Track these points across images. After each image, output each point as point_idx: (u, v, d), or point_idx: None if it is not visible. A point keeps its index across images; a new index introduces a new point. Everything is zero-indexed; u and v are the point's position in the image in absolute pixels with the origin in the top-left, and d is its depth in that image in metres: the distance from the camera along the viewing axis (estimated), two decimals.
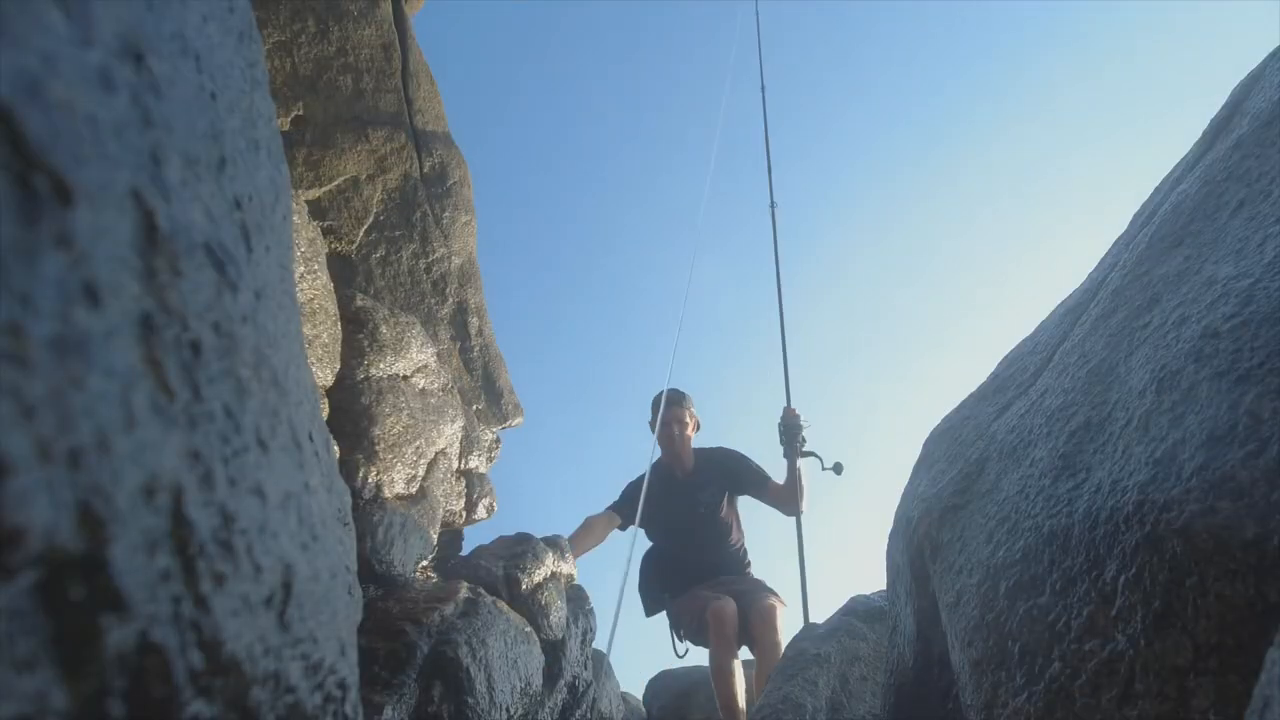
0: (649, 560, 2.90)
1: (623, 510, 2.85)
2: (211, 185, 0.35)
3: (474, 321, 3.26)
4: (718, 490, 2.86)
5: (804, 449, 2.61)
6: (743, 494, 2.90)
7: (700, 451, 2.97)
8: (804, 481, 2.65)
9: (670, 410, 2.85)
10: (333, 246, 2.80)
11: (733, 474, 2.92)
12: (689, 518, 2.81)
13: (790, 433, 2.68)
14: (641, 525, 2.71)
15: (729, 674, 2.22)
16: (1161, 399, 0.47)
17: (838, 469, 2.55)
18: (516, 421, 3.51)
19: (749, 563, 2.87)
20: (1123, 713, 0.42)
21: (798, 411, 2.80)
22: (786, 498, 2.72)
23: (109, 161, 0.26)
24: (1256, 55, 0.72)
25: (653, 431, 2.99)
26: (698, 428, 3.04)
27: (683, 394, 2.98)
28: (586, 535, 2.77)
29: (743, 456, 2.98)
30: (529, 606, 1.74)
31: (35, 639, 0.19)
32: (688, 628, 2.57)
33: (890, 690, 0.81)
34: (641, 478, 2.84)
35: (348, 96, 2.93)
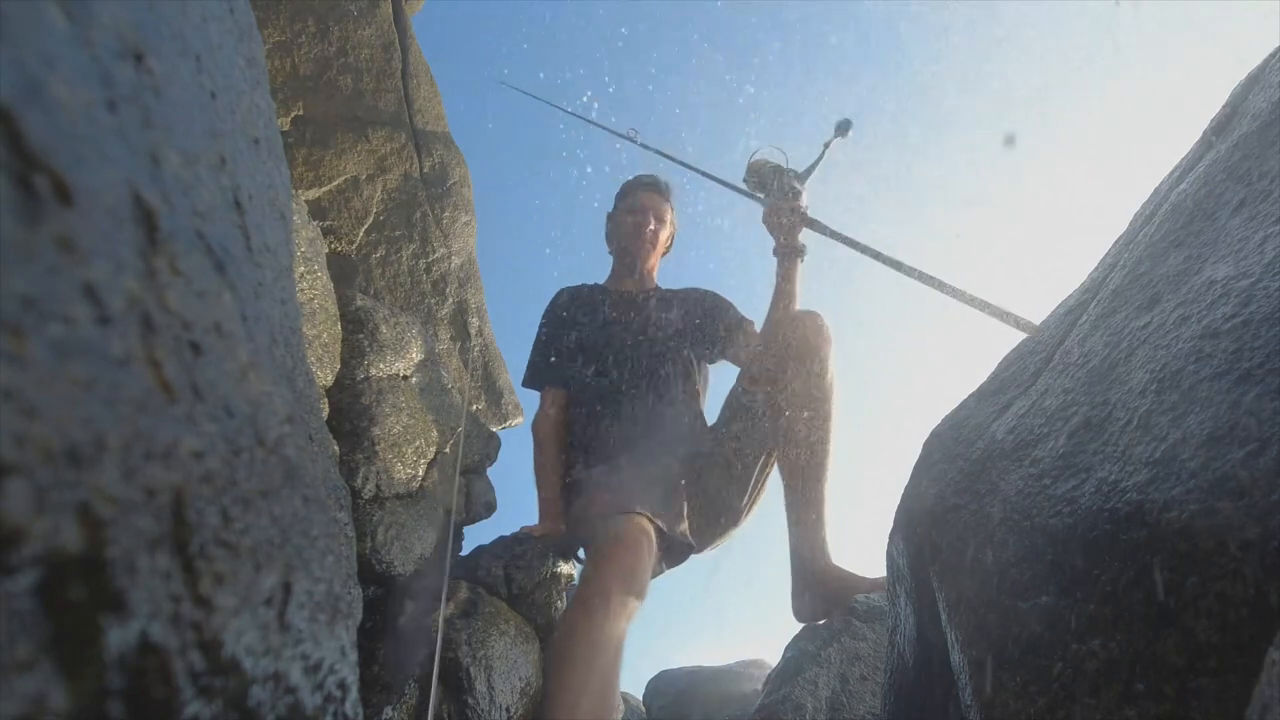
0: (579, 431, 1.80)
1: (548, 374, 1.82)
2: (211, 185, 0.35)
3: (474, 321, 3.26)
4: (682, 322, 1.86)
5: (802, 171, 1.73)
6: (715, 345, 1.85)
7: (663, 288, 2.00)
8: (798, 286, 1.70)
9: (650, 194, 1.92)
10: (333, 246, 2.80)
11: (706, 311, 1.88)
12: (633, 345, 1.79)
13: (773, 172, 1.72)
14: (559, 368, 1.83)
15: (612, 652, 1.12)
16: (1161, 399, 0.47)
17: (842, 128, 1.66)
18: (516, 421, 3.51)
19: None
20: (1123, 713, 0.42)
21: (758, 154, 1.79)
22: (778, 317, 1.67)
23: (109, 161, 0.26)
24: (1256, 55, 0.72)
25: (608, 231, 2.02)
26: (670, 245, 2.05)
27: (668, 184, 1.98)
28: (558, 448, 1.74)
29: (717, 294, 1.96)
30: (529, 606, 1.74)
31: (35, 639, 0.19)
32: (582, 536, 1.56)
33: (890, 690, 0.81)
34: (556, 313, 1.92)
35: (348, 96, 2.94)
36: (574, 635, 1.14)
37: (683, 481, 1.56)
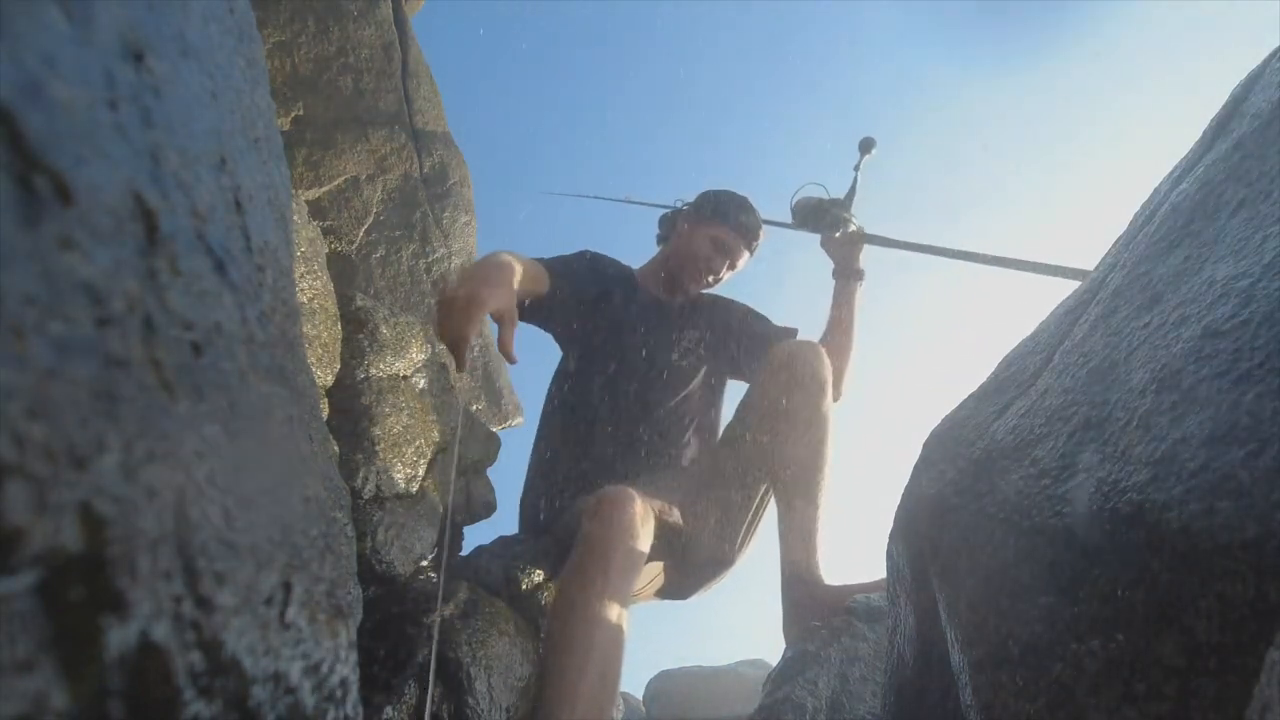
0: (549, 441, 1.65)
1: (555, 274, 1.55)
2: (212, 185, 0.35)
3: None
4: (709, 340, 1.72)
5: (844, 198, 1.72)
6: (737, 365, 1.74)
7: (696, 294, 1.81)
8: (857, 308, 1.67)
9: (740, 244, 1.74)
10: (333, 246, 2.80)
11: (736, 328, 1.75)
12: (652, 359, 1.63)
13: (817, 207, 1.71)
14: (570, 339, 1.66)
15: (608, 617, 1.02)
16: (1161, 399, 0.47)
17: (866, 146, 1.68)
18: (516, 421, 3.51)
19: None
20: (1123, 713, 0.42)
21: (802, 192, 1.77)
22: (835, 349, 1.60)
23: (109, 162, 0.26)
24: (1256, 55, 0.72)
25: (662, 229, 1.86)
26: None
27: (762, 238, 1.78)
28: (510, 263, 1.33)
29: (749, 308, 1.82)
30: (529, 606, 1.74)
31: (35, 639, 0.19)
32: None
33: (890, 690, 0.81)
34: (592, 255, 1.73)
35: (348, 96, 2.94)
36: (571, 609, 1.05)
37: (681, 498, 1.47)
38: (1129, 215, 0.79)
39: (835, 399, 1.55)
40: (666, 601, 1.65)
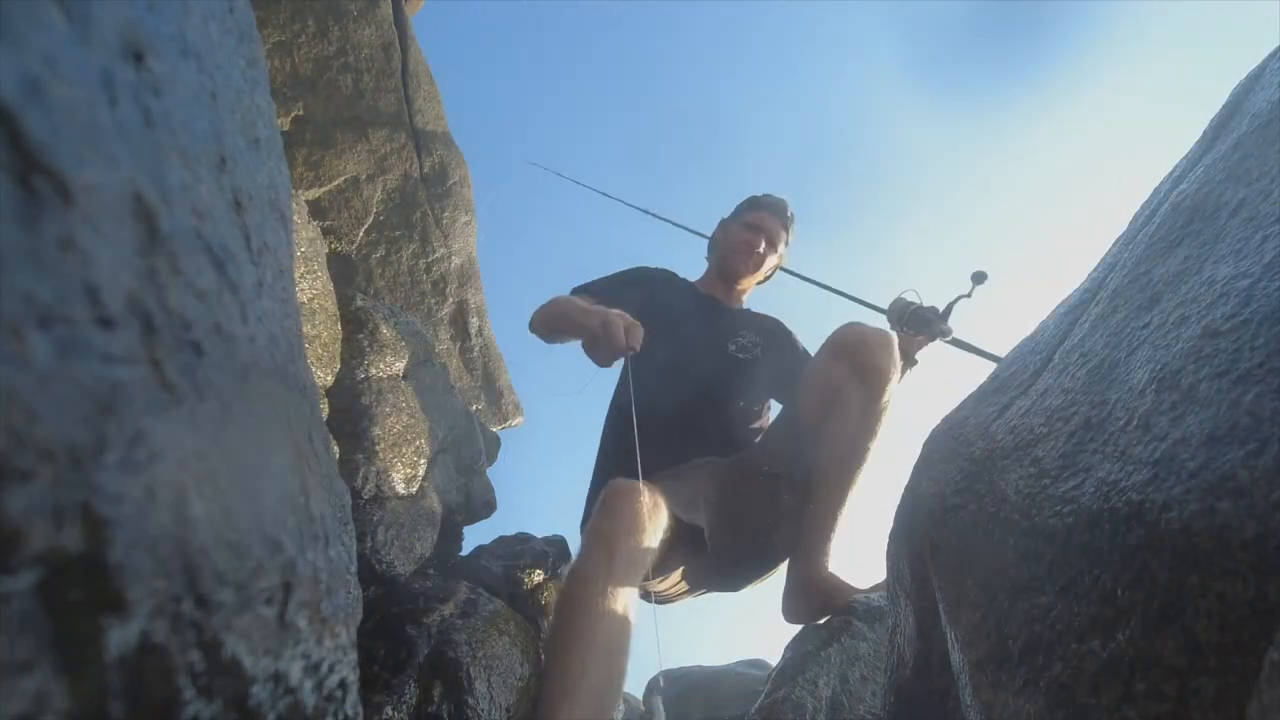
0: (616, 427, 1.63)
1: (613, 290, 1.67)
2: (211, 185, 0.35)
3: (474, 321, 3.26)
4: (763, 345, 1.75)
5: (943, 310, 1.66)
6: (779, 382, 1.75)
7: (749, 310, 1.91)
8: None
9: (771, 217, 1.84)
10: (333, 246, 2.80)
11: (783, 344, 1.81)
12: (715, 354, 1.68)
13: (919, 313, 1.65)
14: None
15: (611, 605, 0.99)
16: (1161, 399, 0.47)
17: (978, 278, 1.64)
18: (516, 421, 3.51)
19: None
20: (1123, 713, 0.42)
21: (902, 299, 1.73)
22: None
23: (109, 162, 0.26)
24: (1256, 55, 0.72)
25: (709, 248, 1.95)
26: (771, 275, 1.94)
27: (793, 214, 1.88)
28: (566, 308, 1.48)
29: (789, 328, 1.87)
30: (529, 606, 1.74)
31: (35, 640, 0.19)
32: None
33: (890, 690, 0.81)
34: (645, 269, 1.87)
35: (348, 96, 2.94)
36: (574, 603, 1.01)
37: (713, 499, 1.43)
38: (1129, 215, 0.79)
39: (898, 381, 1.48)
40: (707, 596, 1.60)
